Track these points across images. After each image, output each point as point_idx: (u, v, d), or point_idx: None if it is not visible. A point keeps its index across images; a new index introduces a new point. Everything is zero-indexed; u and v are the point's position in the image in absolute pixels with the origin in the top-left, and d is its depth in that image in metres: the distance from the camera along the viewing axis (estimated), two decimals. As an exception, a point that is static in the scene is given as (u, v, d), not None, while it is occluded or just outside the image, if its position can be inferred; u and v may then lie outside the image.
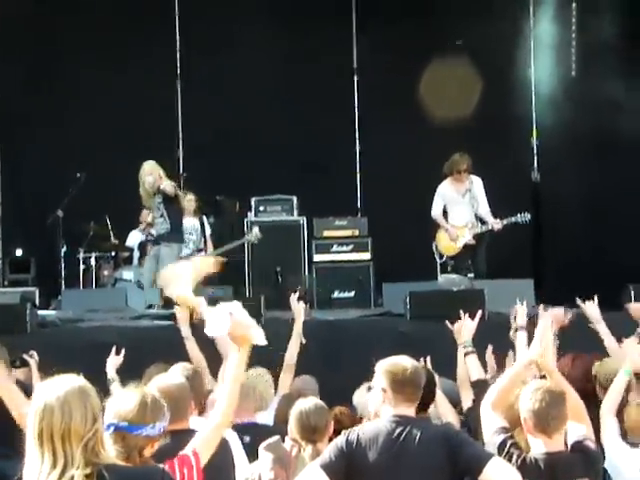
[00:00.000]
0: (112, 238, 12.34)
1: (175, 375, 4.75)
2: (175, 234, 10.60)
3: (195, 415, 4.95)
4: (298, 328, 6.81)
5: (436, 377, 5.96)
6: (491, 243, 11.32)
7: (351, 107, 13.54)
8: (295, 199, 12.16)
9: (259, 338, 4.04)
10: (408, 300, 9.71)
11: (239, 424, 5.48)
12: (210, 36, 13.17)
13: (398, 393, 4.51)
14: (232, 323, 3.97)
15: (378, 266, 11.80)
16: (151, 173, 10.41)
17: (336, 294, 11.56)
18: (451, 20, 12.94)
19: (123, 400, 3.59)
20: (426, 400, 5.28)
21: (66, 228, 12.17)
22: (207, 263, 5.92)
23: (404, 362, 4.57)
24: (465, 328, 6.31)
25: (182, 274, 5.50)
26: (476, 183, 11.25)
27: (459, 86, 12.88)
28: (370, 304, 11.43)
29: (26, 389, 4.94)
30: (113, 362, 6.55)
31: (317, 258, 11.76)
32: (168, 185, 10.38)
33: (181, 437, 4.43)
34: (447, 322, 6.58)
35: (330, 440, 4.84)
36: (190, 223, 11.88)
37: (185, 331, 6.78)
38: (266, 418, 6.17)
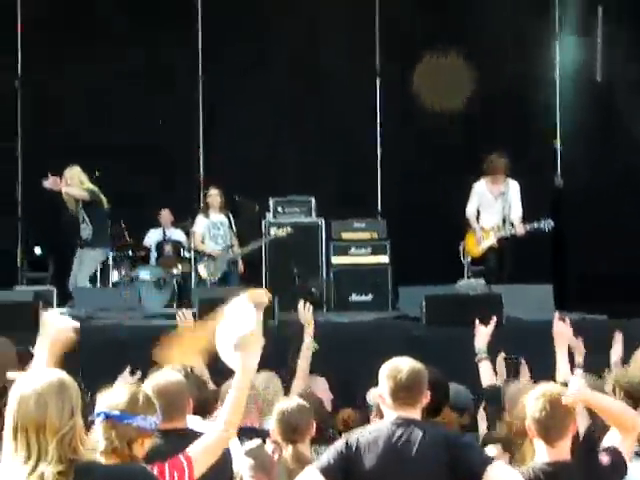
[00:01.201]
0: (127, 237, 12.27)
1: (172, 372, 4.66)
2: (98, 238, 10.78)
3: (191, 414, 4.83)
4: (308, 337, 6.65)
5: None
6: (513, 247, 11.18)
7: (373, 107, 13.41)
8: (314, 200, 12.07)
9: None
10: (424, 304, 9.60)
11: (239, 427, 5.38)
12: (233, 36, 13.09)
13: (394, 398, 4.44)
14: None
15: (398, 269, 11.69)
16: (69, 179, 10.54)
17: (353, 297, 11.46)
18: (473, 19, 12.80)
19: (114, 393, 3.53)
20: (436, 403, 5.17)
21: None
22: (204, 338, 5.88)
23: (402, 365, 4.48)
24: (478, 336, 6.16)
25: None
26: (512, 187, 11.14)
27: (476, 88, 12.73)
28: (388, 307, 11.32)
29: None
30: (123, 380, 6.40)
31: (335, 260, 11.66)
32: (72, 189, 10.50)
33: (177, 437, 4.35)
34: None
35: (312, 441, 4.76)
36: (217, 218, 11.86)
37: None
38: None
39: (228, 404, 4.03)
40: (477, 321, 6.23)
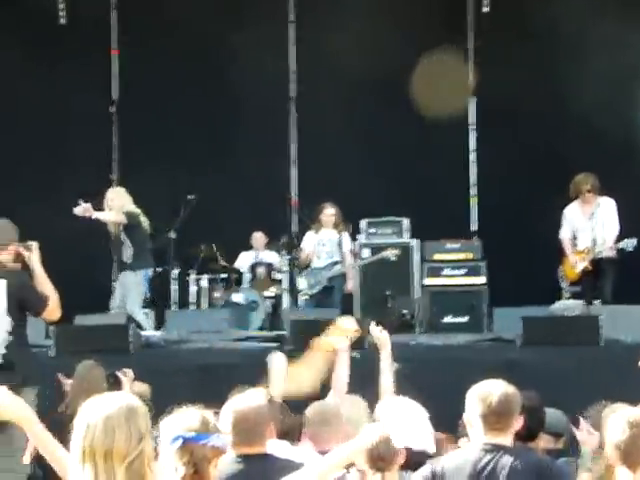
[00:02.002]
0: (220, 260, 12.28)
1: (252, 397, 4.56)
2: (138, 261, 10.74)
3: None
4: (386, 358, 6.41)
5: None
6: (613, 268, 10.86)
7: (464, 127, 13.24)
8: (406, 221, 11.92)
9: None
10: (521, 325, 9.39)
11: (321, 452, 5.26)
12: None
13: (484, 422, 4.28)
14: None
15: (494, 290, 11.47)
16: (110, 200, 10.65)
17: (448, 319, 11.26)
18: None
19: (184, 416, 3.43)
20: (530, 429, 5.02)
21: (178, 250, 12.17)
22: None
23: (493, 389, 4.32)
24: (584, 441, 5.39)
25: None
26: (604, 205, 10.85)
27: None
28: (483, 329, 11.09)
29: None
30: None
31: (428, 282, 11.49)
32: (103, 215, 10.54)
33: (256, 461, 4.26)
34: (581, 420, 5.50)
35: (401, 468, 4.61)
36: (325, 235, 11.81)
37: None
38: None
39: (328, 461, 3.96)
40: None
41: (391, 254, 11.41)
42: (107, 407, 2.98)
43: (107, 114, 13.57)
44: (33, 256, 6.80)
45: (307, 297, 11.69)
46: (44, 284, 6.73)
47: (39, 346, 9.41)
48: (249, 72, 13.03)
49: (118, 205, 10.60)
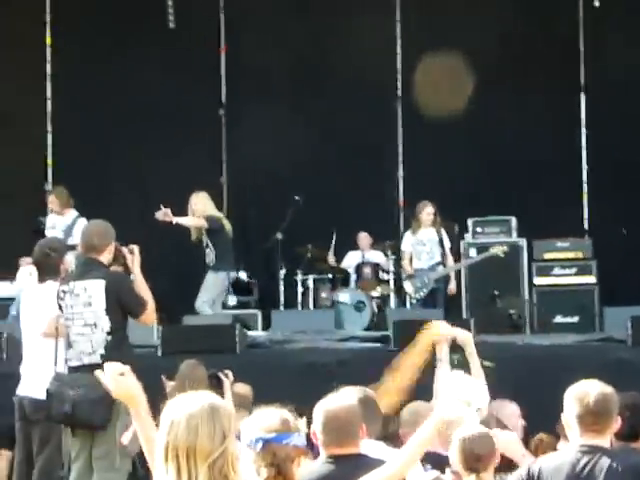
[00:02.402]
0: (329, 260, 12.29)
1: (345, 396, 4.52)
2: (220, 263, 10.87)
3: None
4: (472, 357, 6.19)
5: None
6: None
7: (577, 125, 13.00)
8: (514, 220, 11.74)
9: None
10: (630, 325, 9.18)
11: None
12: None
13: (581, 423, 4.19)
14: None
15: (605, 289, 11.23)
16: (194, 205, 10.79)
17: (558, 318, 11.09)
18: None
19: (264, 416, 3.41)
20: (634, 428, 4.90)
21: (285, 250, 12.22)
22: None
23: (590, 389, 4.22)
24: None
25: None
26: None
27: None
28: (594, 329, 10.88)
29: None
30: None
31: (537, 281, 11.31)
32: (183, 219, 10.66)
33: (347, 462, 4.22)
34: None
35: (496, 470, 4.52)
36: (424, 235, 11.55)
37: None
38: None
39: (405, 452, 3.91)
40: None
41: (500, 250, 11.23)
42: (190, 405, 2.97)
43: (216, 116, 13.67)
44: (135, 259, 6.86)
45: (415, 301, 11.56)
46: (142, 288, 6.78)
47: (148, 346, 9.53)
48: (357, 71, 12.98)
49: (200, 210, 10.81)
